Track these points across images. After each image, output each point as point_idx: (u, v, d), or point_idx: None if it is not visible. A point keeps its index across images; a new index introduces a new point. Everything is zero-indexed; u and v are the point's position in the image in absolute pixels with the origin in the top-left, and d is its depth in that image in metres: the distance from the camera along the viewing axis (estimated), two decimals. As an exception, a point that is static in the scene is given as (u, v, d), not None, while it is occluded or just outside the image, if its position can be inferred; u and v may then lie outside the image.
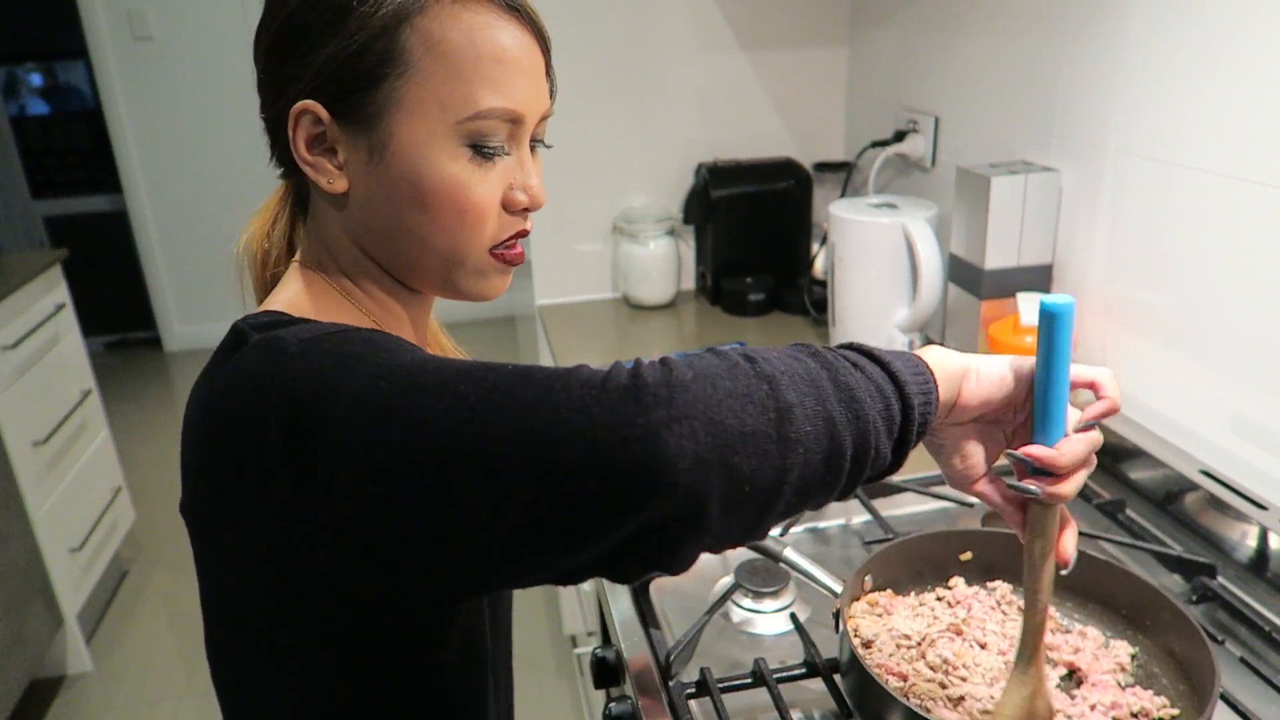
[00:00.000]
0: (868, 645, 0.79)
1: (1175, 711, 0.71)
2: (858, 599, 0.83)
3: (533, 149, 0.67)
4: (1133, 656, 0.78)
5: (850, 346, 0.59)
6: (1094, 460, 0.61)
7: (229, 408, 0.55)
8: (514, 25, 0.62)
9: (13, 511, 1.99)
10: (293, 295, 0.66)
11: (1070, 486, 0.59)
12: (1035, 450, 0.59)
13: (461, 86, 0.60)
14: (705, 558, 1.05)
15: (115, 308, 4.30)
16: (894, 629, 0.80)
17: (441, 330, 0.84)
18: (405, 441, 0.49)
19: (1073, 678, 0.76)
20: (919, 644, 0.79)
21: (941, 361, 0.60)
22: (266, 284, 0.73)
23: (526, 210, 0.66)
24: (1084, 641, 0.79)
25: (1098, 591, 0.83)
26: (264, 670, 0.61)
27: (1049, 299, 0.57)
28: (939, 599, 0.85)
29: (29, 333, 2.11)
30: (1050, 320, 0.57)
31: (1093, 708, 0.71)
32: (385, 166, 0.61)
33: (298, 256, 0.69)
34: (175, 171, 4.02)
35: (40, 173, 4.31)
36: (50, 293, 2.27)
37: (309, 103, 0.61)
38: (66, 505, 2.22)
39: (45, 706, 2.16)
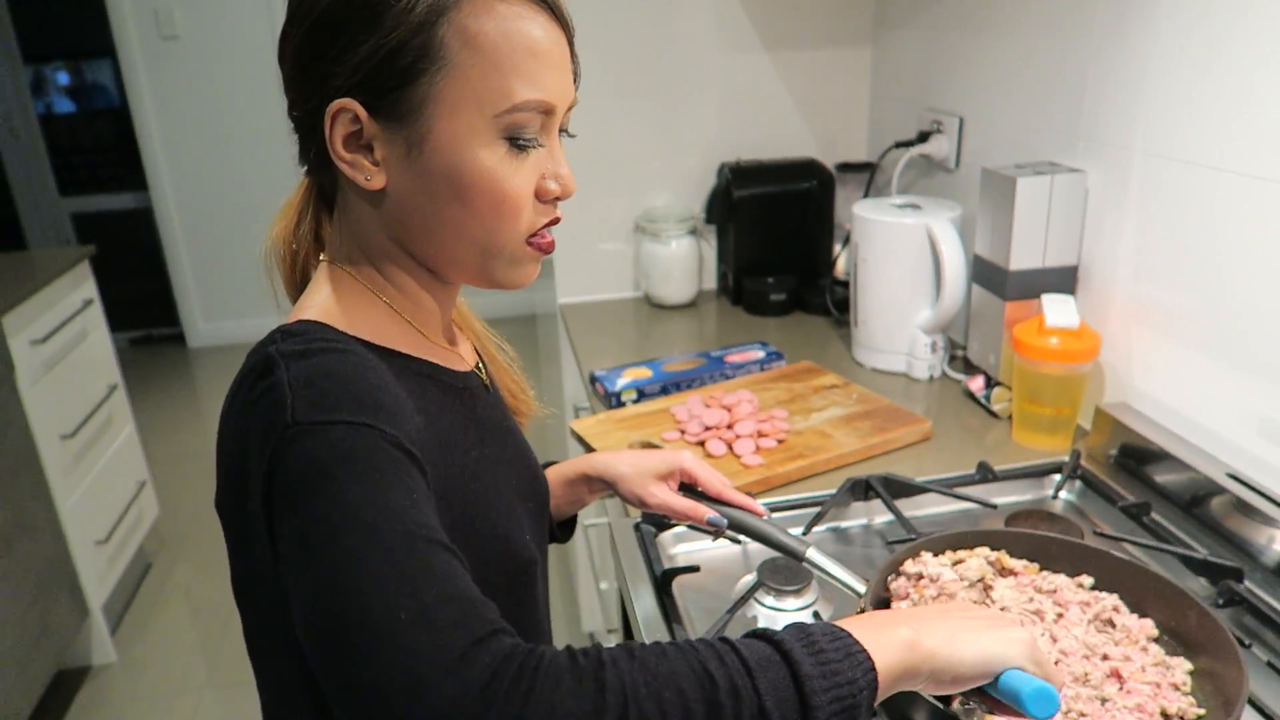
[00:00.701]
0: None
1: (1202, 712, 0.71)
2: (883, 597, 0.83)
3: (563, 133, 0.68)
4: (1154, 639, 0.78)
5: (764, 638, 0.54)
6: None
7: (241, 433, 0.57)
8: (544, 16, 0.63)
9: (41, 503, 2.02)
10: (324, 299, 0.67)
11: None
12: None
13: (497, 80, 0.61)
14: (728, 554, 1.05)
15: (140, 304, 4.35)
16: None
17: (474, 317, 0.85)
18: (314, 587, 0.50)
19: (1111, 676, 0.75)
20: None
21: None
22: (297, 282, 0.74)
23: (558, 199, 0.67)
24: (1129, 646, 0.78)
25: (1124, 594, 0.83)
26: (286, 658, 0.62)
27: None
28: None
29: (58, 328, 2.14)
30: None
31: (1125, 708, 0.71)
32: (424, 161, 0.62)
33: (325, 254, 0.70)
34: (200, 169, 4.06)
35: (67, 170, 4.38)
36: (78, 288, 2.31)
37: (347, 101, 0.61)
38: (93, 498, 2.25)
39: (71, 696, 2.19)
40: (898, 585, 0.84)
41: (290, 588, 0.51)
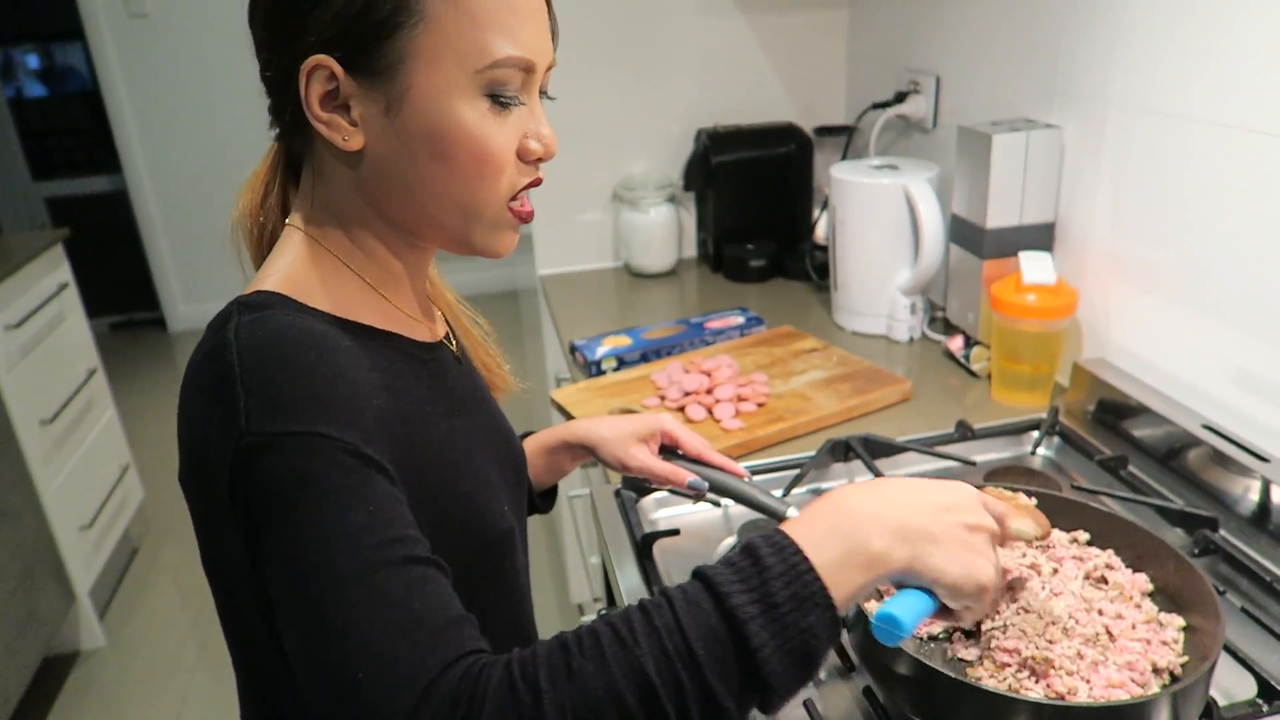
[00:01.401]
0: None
1: (1186, 659, 0.71)
2: None
3: (542, 94, 0.67)
4: (1149, 594, 0.78)
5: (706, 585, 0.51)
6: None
7: (197, 420, 0.57)
8: None
9: (22, 489, 2.00)
10: (288, 266, 0.65)
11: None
12: None
13: (477, 34, 0.60)
14: (709, 517, 1.05)
15: (119, 289, 4.31)
16: None
17: (447, 288, 0.84)
18: (292, 628, 0.52)
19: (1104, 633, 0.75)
20: None
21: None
22: (264, 256, 0.72)
23: (540, 159, 0.66)
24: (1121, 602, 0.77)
25: (1103, 543, 0.83)
26: (258, 628, 0.62)
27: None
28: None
29: (32, 312, 2.11)
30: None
31: (1116, 665, 0.71)
32: (403, 119, 0.61)
33: (292, 219, 0.68)
34: (176, 150, 4.01)
35: (40, 154, 4.31)
36: (53, 272, 2.28)
37: (321, 57, 0.59)
38: (75, 483, 2.23)
39: (60, 682, 2.19)
40: None
41: (270, 594, 0.54)
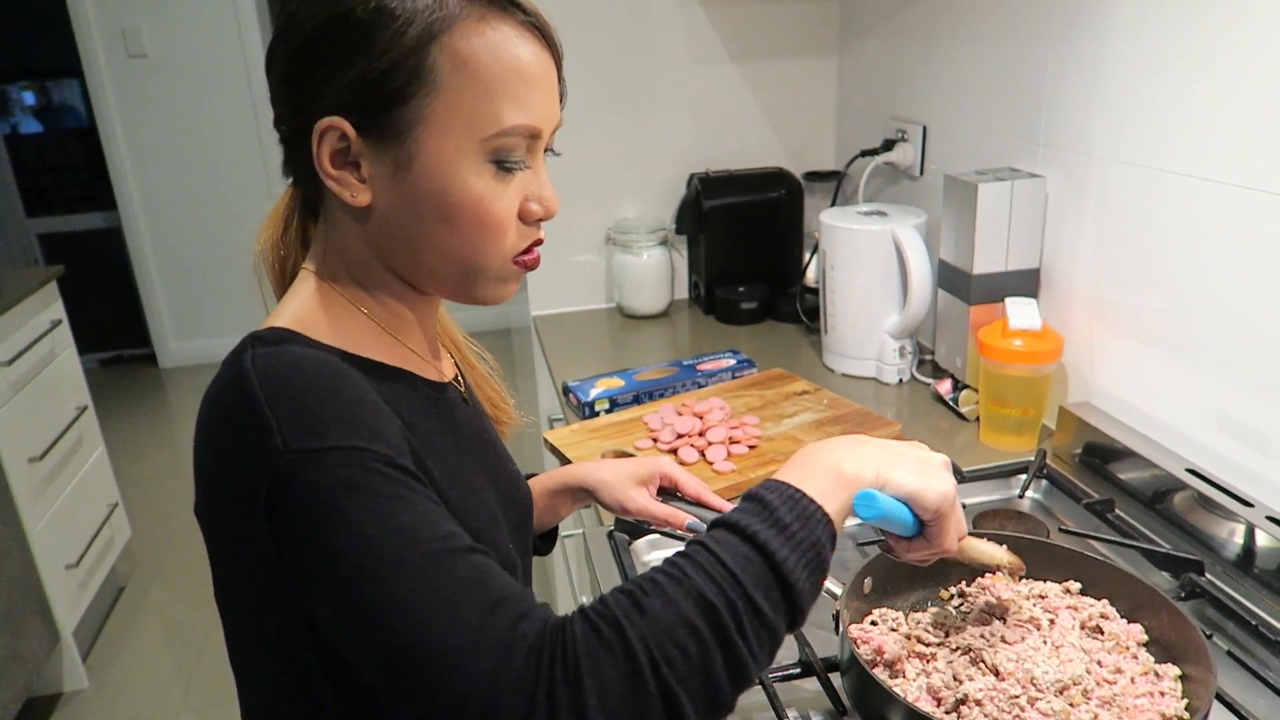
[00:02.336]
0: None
1: (1184, 701, 0.72)
2: (857, 602, 0.84)
3: (547, 152, 0.69)
4: (1144, 645, 0.79)
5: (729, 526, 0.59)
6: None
7: (219, 445, 0.58)
8: (533, 41, 0.63)
9: (9, 527, 1.99)
10: (301, 305, 0.67)
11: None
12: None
13: (487, 104, 0.61)
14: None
15: (110, 325, 4.30)
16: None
17: (455, 326, 0.86)
18: (362, 632, 0.54)
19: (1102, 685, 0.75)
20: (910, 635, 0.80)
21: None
22: (287, 286, 0.74)
23: (540, 219, 0.68)
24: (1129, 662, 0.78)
25: (1093, 591, 0.84)
26: (269, 659, 0.63)
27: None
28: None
29: (25, 349, 2.11)
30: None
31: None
32: (411, 181, 0.62)
33: (306, 263, 0.70)
34: (170, 188, 4.03)
35: (35, 191, 4.33)
36: (46, 309, 2.28)
37: (336, 119, 0.61)
38: (63, 521, 2.22)
39: (42, 724, 2.16)
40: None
41: (327, 623, 0.56)
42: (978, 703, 0.71)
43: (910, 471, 0.65)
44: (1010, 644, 0.77)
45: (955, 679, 0.74)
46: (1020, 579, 0.85)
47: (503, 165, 0.64)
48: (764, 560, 0.56)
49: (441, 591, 0.53)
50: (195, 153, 3.98)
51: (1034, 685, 0.72)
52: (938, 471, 0.66)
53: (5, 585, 1.94)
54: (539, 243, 0.69)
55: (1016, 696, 0.71)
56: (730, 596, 0.54)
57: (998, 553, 0.78)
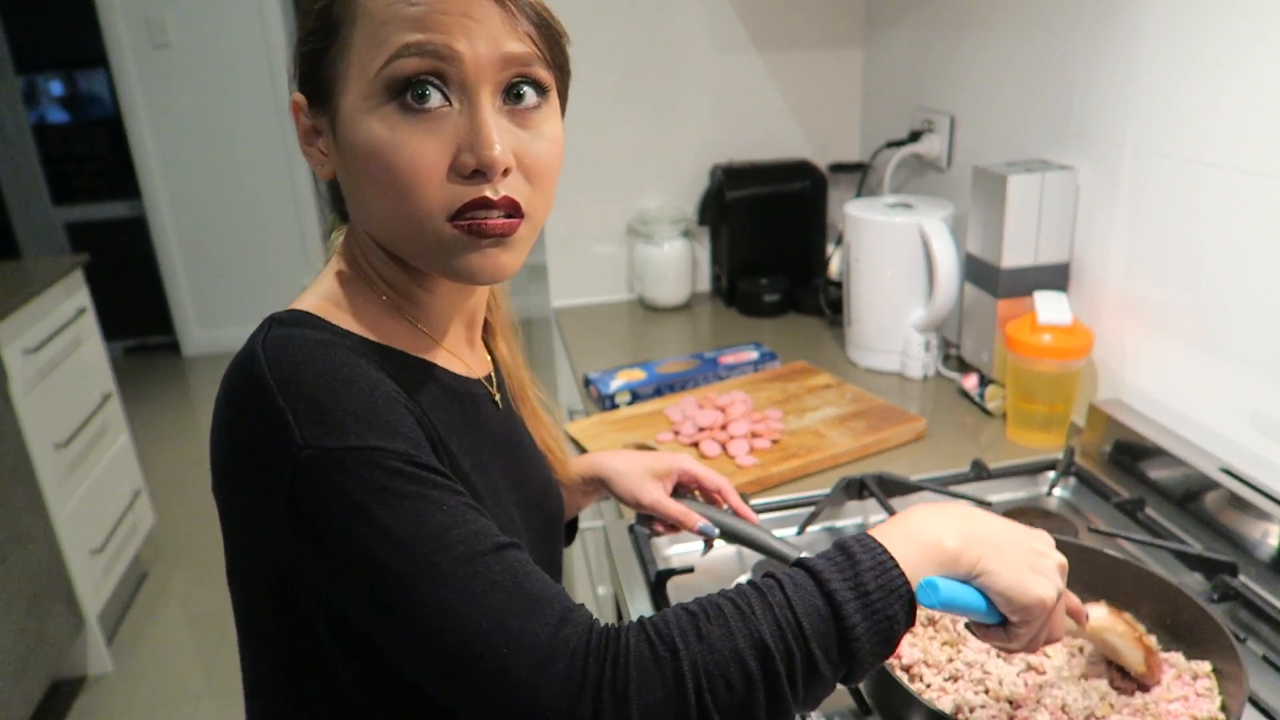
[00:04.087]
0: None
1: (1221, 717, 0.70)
2: None
3: (516, 98, 0.59)
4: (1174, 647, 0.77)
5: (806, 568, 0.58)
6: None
7: (233, 431, 0.58)
8: None
9: (35, 513, 2.01)
10: (324, 289, 0.66)
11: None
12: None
13: (377, 35, 0.57)
14: (724, 555, 1.04)
15: (135, 313, 4.34)
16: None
17: (515, 346, 0.82)
18: (402, 632, 0.54)
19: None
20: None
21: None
22: None
23: (477, 172, 0.57)
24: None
25: (1121, 592, 0.82)
26: (274, 639, 0.63)
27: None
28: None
29: (51, 336, 2.13)
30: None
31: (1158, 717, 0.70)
32: (339, 142, 0.61)
33: (337, 247, 0.70)
34: (194, 177, 4.06)
35: (61, 179, 4.37)
36: (71, 297, 2.30)
37: (296, 95, 0.63)
38: (87, 507, 2.24)
39: (66, 707, 2.18)
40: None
41: (364, 620, 0.56)
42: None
43: (1013, 568, 0.61)
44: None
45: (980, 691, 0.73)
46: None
47: (403, 102, 0.56)
48: (835, 620, 0.55)
49: (480, 597, 0.53)
50: (219, 142, 4.00)
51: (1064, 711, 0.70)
52: (1045, 573, 0.62)
53: (31, 570, 1.96)
54: (484, 203, 0.58)
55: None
56: (790, 646, 0.54)
57: (1133, 658, 0.72)
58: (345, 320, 0.64)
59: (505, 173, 0.58)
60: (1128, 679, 0.75)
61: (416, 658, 0.54)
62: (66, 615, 2.11)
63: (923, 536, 0.60)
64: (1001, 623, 0.62)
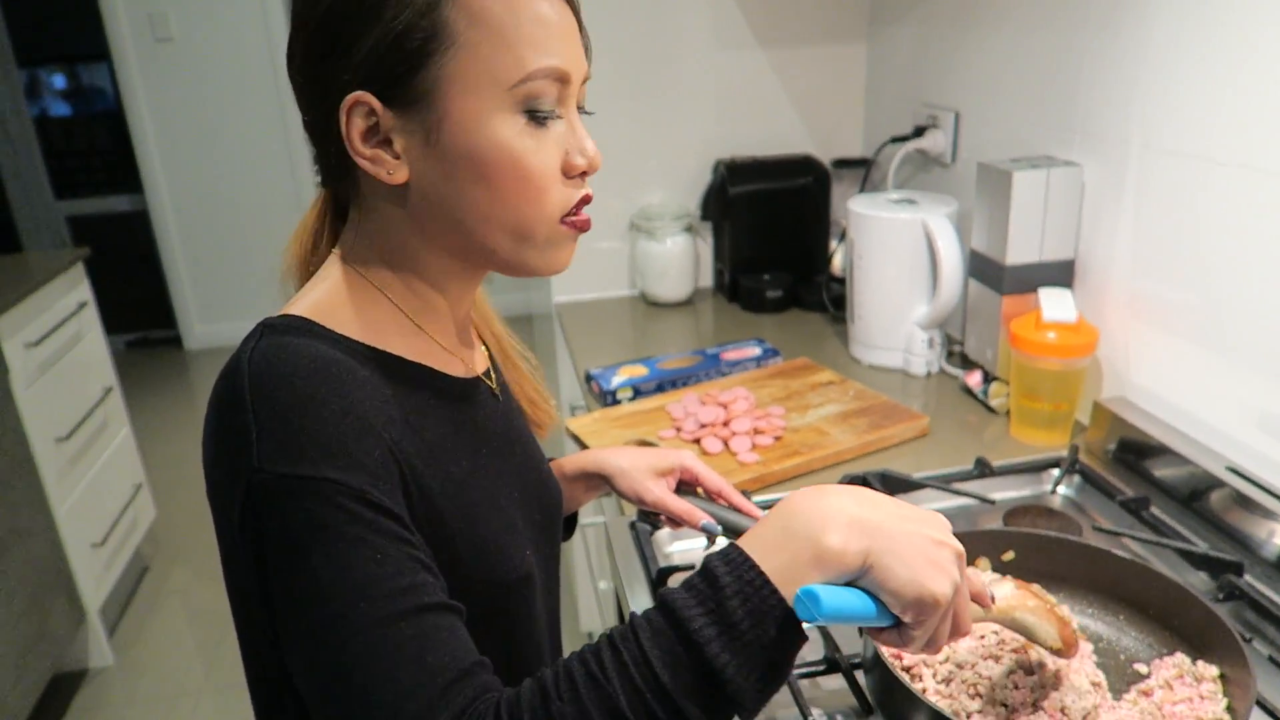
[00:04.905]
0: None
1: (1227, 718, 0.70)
2: None
3: (580, 107, 0.67)
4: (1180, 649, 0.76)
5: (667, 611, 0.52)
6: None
7: (214, 440, 0.58)
8: None
9: (36, 507, 2.01)
10: (324, 292, 0.65)
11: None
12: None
13: (508, 52, 0.60)
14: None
15: (136, 306, 4.34)
16: None
17: (495, 316, 0.84)
18: (303, 656, 0.55)
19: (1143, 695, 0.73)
20: None
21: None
22: None
23: (585, 173, 0.65)
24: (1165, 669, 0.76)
25: (1126, 592, 0.82)
26: (267, 646, 0.62)
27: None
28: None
29: (52, 330, 2.13)
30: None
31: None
32: (443, 146, 0.61)
33: (337, 250, 0.69)
34: (196, 171, 4.05)
35: (63, 173, 4.36)
36: (73, 291, 2.30)
37: (360, 94, 0.60)
38: (89, 501, 2.24)
39: (68, 700, 2.18)
40: None
41: (281, 634, 0.56)
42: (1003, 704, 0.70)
43: (906, 562, 0.52)
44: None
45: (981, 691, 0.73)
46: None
47: (534, 115, 0.62)
48: (699, 665, 0.49)
49: (381, 659, 0.52)
50: (220, 136, 4.00)
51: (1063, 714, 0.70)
52: (941, 566, 0.54)
53: (32, 563, 1.96)
54: (587, 201, 0.66)
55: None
56: (652, 708, 0.49)
57: (1046, 634, 0.67)
58: (344, 324, 0.64)
59: None
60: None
61: (310, 689, 0.55)
62: (68, 609, 2.11)
63: (801, 534, 0.52)
64: (896, 624, 0.55)
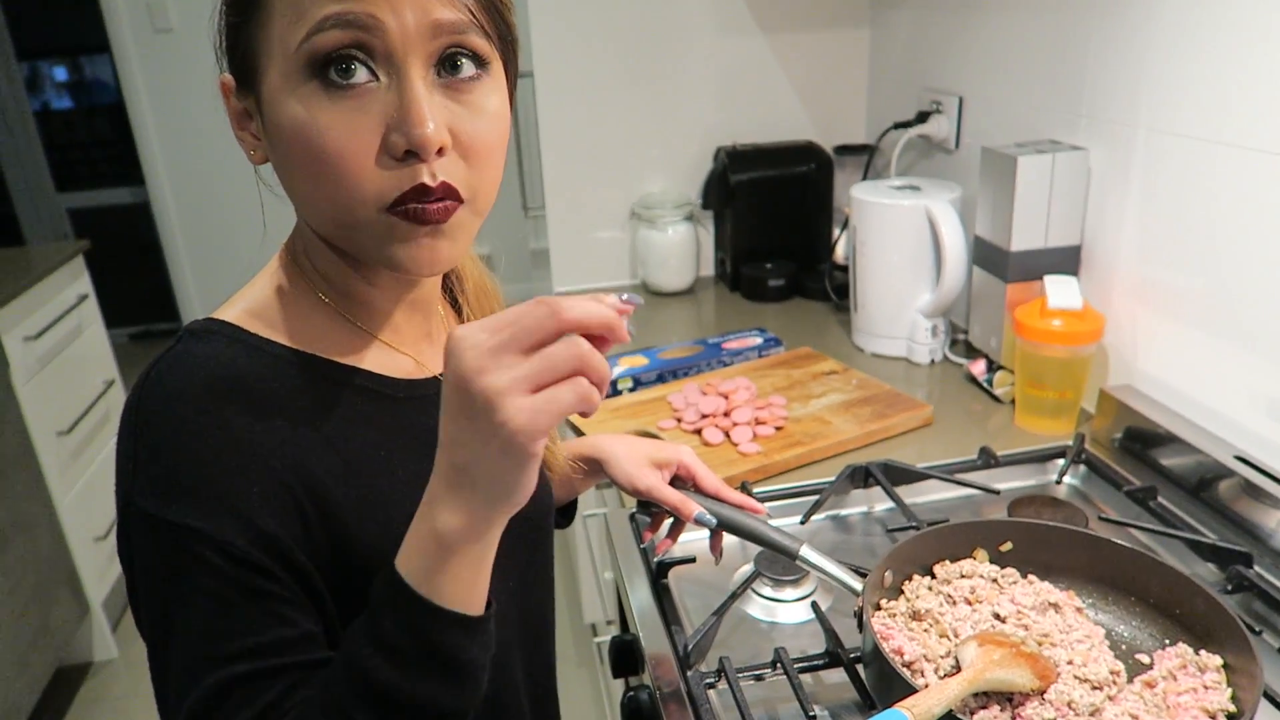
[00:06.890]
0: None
1: (1232, 709, 0.68)
2: (877, 595, 0.81)
3: (451, 69, 0.54)
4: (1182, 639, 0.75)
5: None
6: None
7: (116, 454, 0.58)
8: None
9: (38, 500, 2.01)
10: (258, 292, 0.63)
11: None
12: None
13: (297, 6, 0.52)
14: (725, 545, 1.03)
15: (140, 299, 4.34)
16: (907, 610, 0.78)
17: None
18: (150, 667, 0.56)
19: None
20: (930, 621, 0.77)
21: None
22: None
23: (409, 153, 0.52)
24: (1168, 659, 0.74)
25: (1127, 582, 0.80)
26: None
27: None
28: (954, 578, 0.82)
29: (52, 323, 2.12)
30: None
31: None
32: (266, 125, 0.56)
33: (285, 242, 0.66)
34: (197, 163, 4.04)
35: (64, 166, 4.35)
36: (74, 284, 2.29)
37: (223, 75, 0.59)
38: (91, 494, 2.24)
39: (72, 693, 2.19)
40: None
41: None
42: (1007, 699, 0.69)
43: (490, 464, 0.47)
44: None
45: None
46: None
47: (327, 79, 0.52)
48: (374, 692, 0.49)
49: (182, 702, 0.52)
50: (221, 128, 3.87)
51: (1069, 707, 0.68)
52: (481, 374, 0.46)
53: (35, 557, 1.96)
54: (422, 190, 0.53)
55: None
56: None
57: (1019, 679, 0.66)
58: (271, 325, 0.60)
59: (440, 152, 0.53)
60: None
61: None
62: (71, 602, 2.11)
63: (419, 520, 0.50)
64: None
